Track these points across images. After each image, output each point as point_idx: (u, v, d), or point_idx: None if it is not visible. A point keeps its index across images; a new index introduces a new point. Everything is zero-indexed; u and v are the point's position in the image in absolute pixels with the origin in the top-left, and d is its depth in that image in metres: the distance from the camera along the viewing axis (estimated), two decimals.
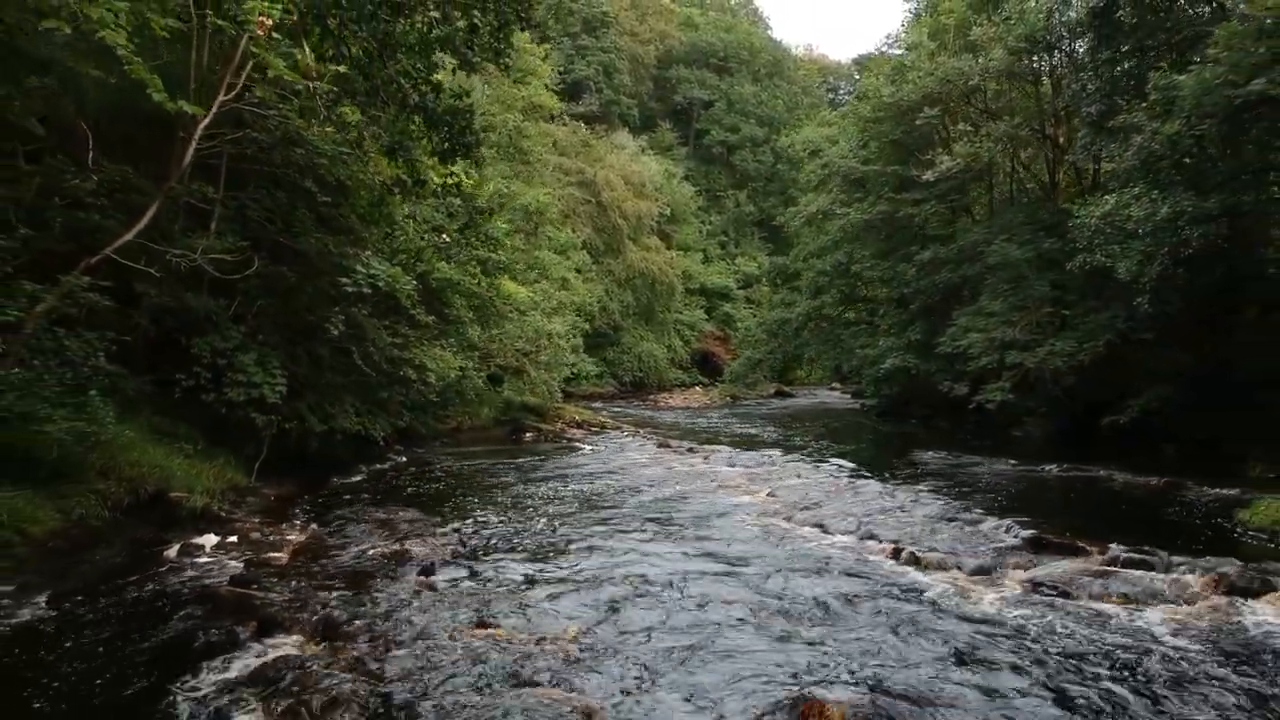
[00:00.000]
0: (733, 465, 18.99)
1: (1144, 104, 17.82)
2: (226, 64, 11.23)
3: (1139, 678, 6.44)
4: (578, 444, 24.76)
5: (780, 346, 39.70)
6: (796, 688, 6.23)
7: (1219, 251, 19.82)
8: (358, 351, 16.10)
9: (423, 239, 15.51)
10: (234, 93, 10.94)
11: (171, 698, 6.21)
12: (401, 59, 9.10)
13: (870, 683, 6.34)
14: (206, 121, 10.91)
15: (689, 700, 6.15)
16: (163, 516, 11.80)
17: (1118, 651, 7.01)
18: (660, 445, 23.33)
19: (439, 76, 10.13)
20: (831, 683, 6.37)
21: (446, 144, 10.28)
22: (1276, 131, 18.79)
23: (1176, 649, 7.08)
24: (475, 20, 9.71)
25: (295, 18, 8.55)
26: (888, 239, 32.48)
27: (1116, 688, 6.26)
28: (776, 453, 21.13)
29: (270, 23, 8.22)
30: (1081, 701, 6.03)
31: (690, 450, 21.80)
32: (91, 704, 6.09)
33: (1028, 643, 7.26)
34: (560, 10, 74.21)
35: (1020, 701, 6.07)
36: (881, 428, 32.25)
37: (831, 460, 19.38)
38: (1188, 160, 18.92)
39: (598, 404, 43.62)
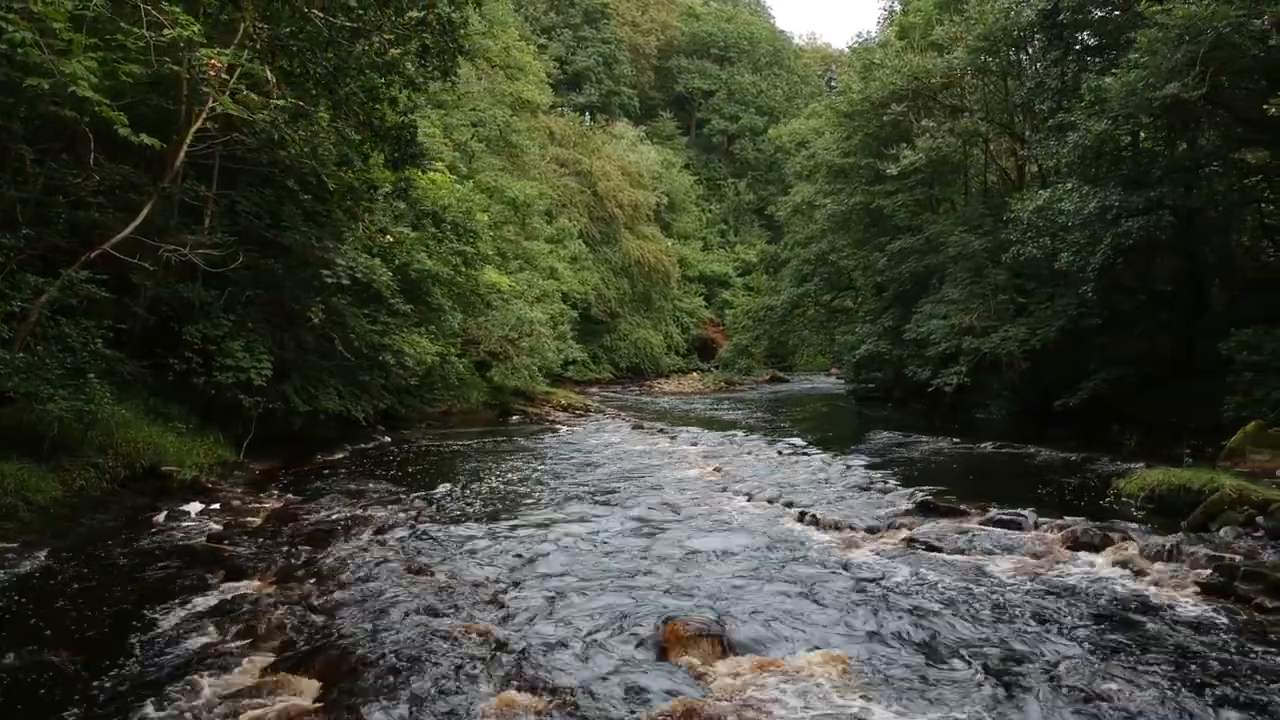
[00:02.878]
0: (695, 445, 20.23)
1: (1081, 103, 18.85)
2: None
3: (956, 610, 7.63)
4: (559, 426, 26.05)
5: (766, 333, 40.82)
6: (666, 612, 7.45)
7: (1170, 242, 20.81)
8: (339, 338, 17.37)
9: (370, 239, 16.70)
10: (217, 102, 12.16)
11: (147, 626, 7.47)
12: (350, 82, 10.37)
13: (729, 609, 7.56)
14: (196, 127, 12.15)
15: (572, 625, 7.39)
16: (155, 488, 13.08)
17: (952, 592, 8.19)
18: (634, 427, 24.62)
19: (393, 93, 11.33)
20: (697, 609, 7.59)
21: (396, 154, 11.56)
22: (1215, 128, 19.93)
23: (1000, 588, 8.27)
24: (426, 42, 10.91)
25: (258, 45, 9.75)
26: (866, 229, 33.56)
27: (935, 616, 7.45)
28: (741, 434, 22.36)
29: (220, 64, 9.42)
30: (898, 624, 7.23)
31: (661, 431, 23.05)
32: (80, 631, 7.31)
33: (880, 584, 8.47)
34: (561, 2, 75.31)
35: (849, 624, 7.28)
36: (859, 411, 33.40)
37: (788, 440, 20.57)
38: (1124, 155, 20.02)
39: (593, 389, 44.94)
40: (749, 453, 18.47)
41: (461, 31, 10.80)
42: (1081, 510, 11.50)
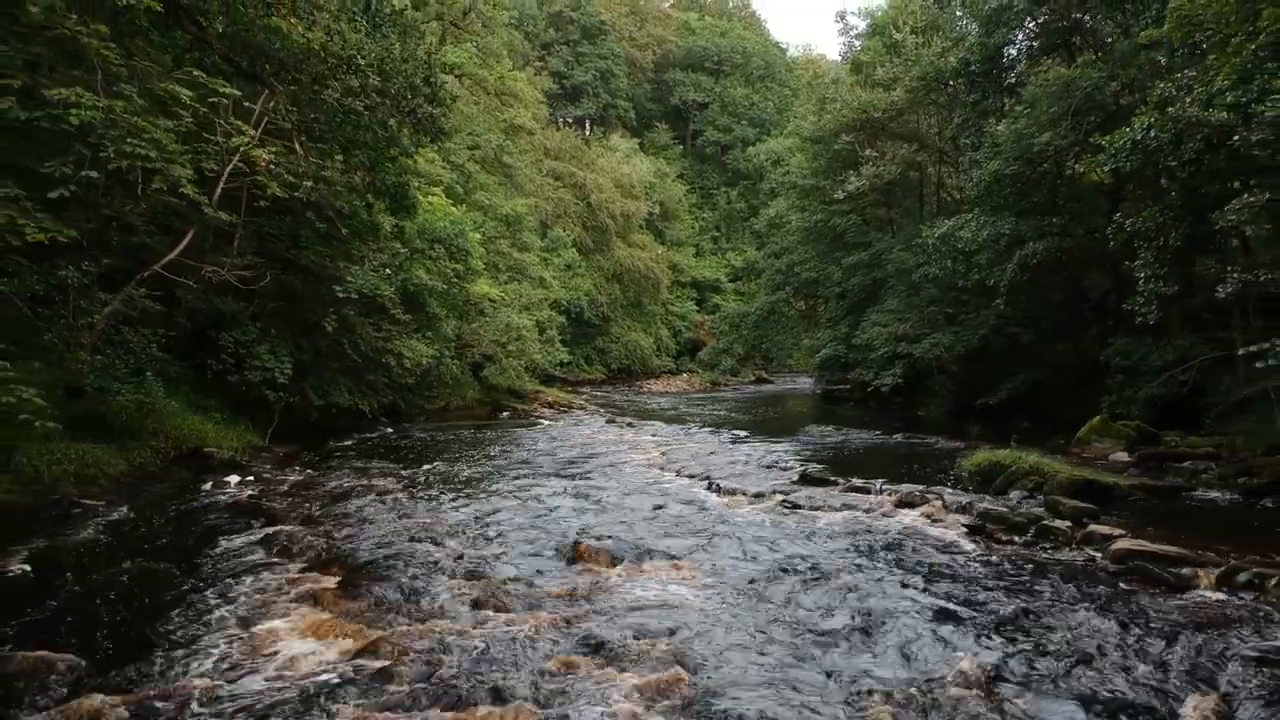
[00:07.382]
0: (654, 436, 23.41)
1: (985, 145, 22.02)
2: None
3: (786, 540, 10.79)
4: (543, 420, 29.26)
5: (742, 337, 44.06)
6: (578, 539, 10.61)
7: (1102, 258, 23.61)
8: (348, 343, 20.62)
9: (374, 271, 19.97)
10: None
11: (214, 549, 10.64)
12: (359, 153, 13.62)
13: (625, 538, 10.75)
14: (229, 168, 15.33)
15: (512, 547, 10.55)
16: (199, 465, 16.31)
17: (790, 531, 11.35)
18: (608, 422, 27.83)
19: (392, 153, 14.58)
20: (603, 538, 10.76)
21: (393, 205, 14.82)
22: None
23: (826, 529, 11.43)
24: (420, 115, 14.14)
25: (290, 123, 13.00)
26: (829, 244, 36.76)
27: (768, 544, 10.60)
28: (697, 426, 25.56)
29: (268, 158, 12.69)
30: (739, 548, 10.38)
31: (629, 425, 26.25)
32: (161, 555, 10.46)
33: (742, 527, 11.62)
34: (560, 19, 78.59)
35: (706, 548, 10.42)
36: (822, 408, 36.44)
37: (734, 432, 23.74)
38: (1040, 183, 23.00)
39: (585, 389, 48.07)
40: (696, 442, 21.66)
41: (443, 118, 14.02)
42: (929, 482, 14.58)
